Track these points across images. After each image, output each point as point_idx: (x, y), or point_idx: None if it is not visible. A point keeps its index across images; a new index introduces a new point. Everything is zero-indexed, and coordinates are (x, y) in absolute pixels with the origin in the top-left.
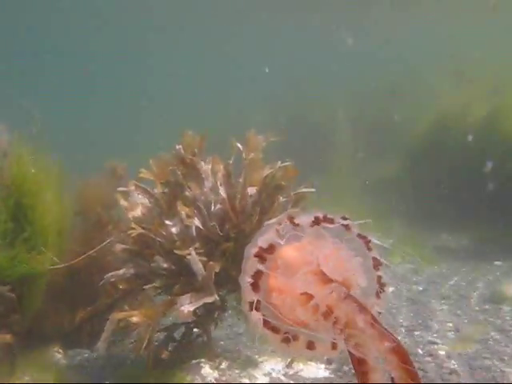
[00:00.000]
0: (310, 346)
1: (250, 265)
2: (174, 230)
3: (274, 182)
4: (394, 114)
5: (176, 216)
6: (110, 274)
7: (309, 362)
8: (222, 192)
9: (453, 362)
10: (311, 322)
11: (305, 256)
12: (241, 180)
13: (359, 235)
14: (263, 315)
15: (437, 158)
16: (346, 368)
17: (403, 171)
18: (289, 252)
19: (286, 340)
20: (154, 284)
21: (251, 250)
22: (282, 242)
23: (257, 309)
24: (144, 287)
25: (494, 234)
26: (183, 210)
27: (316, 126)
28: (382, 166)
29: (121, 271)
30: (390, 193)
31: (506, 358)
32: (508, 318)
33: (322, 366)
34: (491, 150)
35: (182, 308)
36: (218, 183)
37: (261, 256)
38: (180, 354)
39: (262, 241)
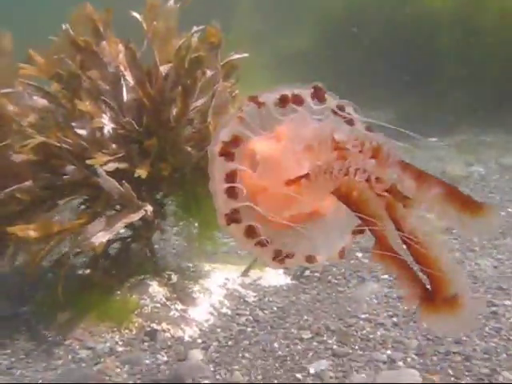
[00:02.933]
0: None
1: (218, 166)
2: (83, 132)
3: (191, 54)
4: None
5: (84, 116)
6: (10, 188)
7: (266, 269)
8: (129, 77)
9: None
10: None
11: (285, 142)
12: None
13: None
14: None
15: (356, 27)
16: (307, 272)
17: (318, 43)
18: (263, 143)
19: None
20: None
21: (214, 148)
22: (248, 132)
23: (236, 220)
24: (58, 202)
25: (419, 109)
26: (85, 108)
27: None
28: (294, 39)
29: (25, 184)
30: (304, 67)
31: (476, 248)
32: None
33: (281, 271)
34: (415, 18)
35: (93, 239)
36: (122, 68)
37: (227, 153)
38: (118, 273)
39: (223, 134)
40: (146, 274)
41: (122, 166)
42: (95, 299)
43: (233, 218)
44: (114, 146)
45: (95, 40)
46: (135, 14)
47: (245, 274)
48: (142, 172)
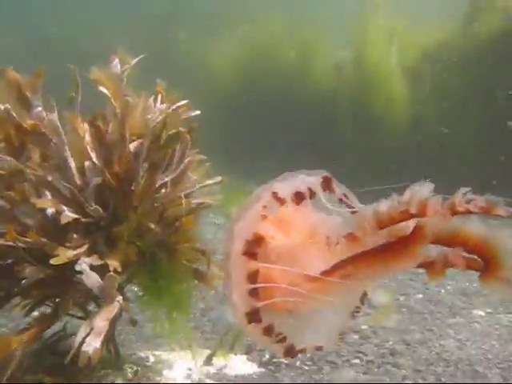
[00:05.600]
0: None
1: (239, 266)
2: (30, 221)
3: (168, 130)
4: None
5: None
6: None
7: (229, 356)
8: (96, 159)
9: (383, 338)
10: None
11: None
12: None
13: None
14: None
15: (246, 98)
16: (268, 357)
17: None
18: (277, 232)
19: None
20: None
21: (234, 246)
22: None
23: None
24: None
25: None
26: (45, 205)
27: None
28: None
29: None
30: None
31: (433, 328)
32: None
33: (244, 357)
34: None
35: (85, 348)
36: (89, 149)
37: (250, 252)
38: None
39: (245, 232)
40: (106, 369)
41: (98, 262)
42: None
43: (253, 317)
44: (75, 236)
45: (22, 110)
46: (102, 89)
47: (208, 362)
48: (115, 264)
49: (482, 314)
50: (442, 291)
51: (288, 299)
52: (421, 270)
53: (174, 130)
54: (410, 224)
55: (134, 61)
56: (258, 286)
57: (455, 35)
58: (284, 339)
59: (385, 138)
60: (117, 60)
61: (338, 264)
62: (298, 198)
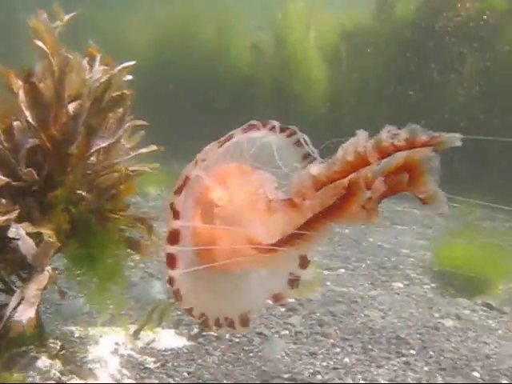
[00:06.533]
0: None
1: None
2: None
3: (112, 92)
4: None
5: None
6: None
7: (157, 330)
8: (31, 118)
9: (310, 310)
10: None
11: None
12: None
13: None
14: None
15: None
16: (196, 330)
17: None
18: (222, 192)
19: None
20: None
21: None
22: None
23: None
24: None
25: None
26: None
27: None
28: None
29: None
30: None
31: (358, 300)
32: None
33: (172, 331)
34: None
35: (18, 318)
36: (23, 107)
37: (173, 210)
38: None
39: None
40: (27, 344)
41: (30, 230)
42: None
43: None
44: (3, 200)
45: None
46: (38, 43)
47: (136, 336)
48: (49, 233)
49: (401, 285)
50: (363, 266)
51: (226, 261)
52: (340, 247)
53: (118, 93)
54: (345, 180)
55: (67, 17)
56: (178, 249)
57: (370, 20)
58: (207, 321)
59: (303, 115)
60: (45, 15)
61: (283, 239)
62: (251, 127)
